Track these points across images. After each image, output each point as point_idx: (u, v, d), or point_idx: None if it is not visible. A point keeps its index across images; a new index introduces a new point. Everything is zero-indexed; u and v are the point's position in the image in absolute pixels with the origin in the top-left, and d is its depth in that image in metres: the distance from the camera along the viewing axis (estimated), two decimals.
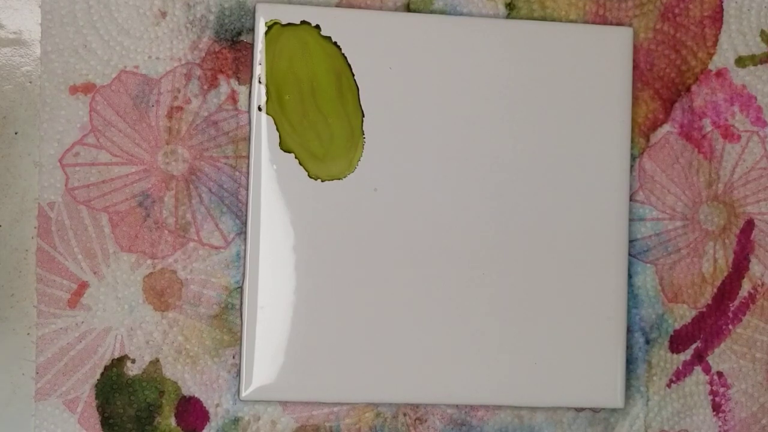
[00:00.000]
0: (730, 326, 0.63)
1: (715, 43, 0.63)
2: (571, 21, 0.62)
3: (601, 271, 0.61)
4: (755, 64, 0.63)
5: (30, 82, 0.58)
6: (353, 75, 0.59)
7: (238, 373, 0.59)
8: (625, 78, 0.62)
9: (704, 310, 0.63)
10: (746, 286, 0.63)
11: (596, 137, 0.61)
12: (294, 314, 0.58)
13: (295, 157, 0.59)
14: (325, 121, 0.59)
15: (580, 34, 0.61)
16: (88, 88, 0.58)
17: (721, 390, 0.63)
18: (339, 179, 0.59)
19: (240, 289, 0.59)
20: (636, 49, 0.62)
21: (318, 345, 0.59)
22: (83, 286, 0.58)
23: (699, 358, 0.63)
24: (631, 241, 0.62)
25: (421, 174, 0.60)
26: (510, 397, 0.60)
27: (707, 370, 0.63)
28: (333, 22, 0.59)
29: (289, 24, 0.59)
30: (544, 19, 0.61)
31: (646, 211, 0.62)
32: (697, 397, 0.63)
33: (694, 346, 0.63)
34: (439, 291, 0.60)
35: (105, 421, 0.58)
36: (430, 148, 0.60)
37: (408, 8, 0.61)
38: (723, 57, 0.63)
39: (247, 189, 0.59)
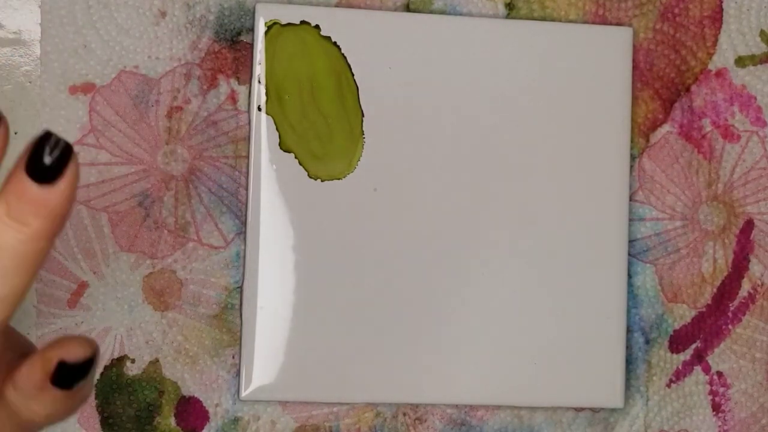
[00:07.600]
0: (730, 326, 0.63)
1: (715, 43, 0.63)
2: (571, 21, 0.62)
3: (601, 271, 0.61)
4: (755, 64, 0.63)
5: (30, 82, 0.58)
6: (353, 75, 0.59)
7: (238, 373, 0.59)
8: (625, 78, 0.62)
9: (704, 310, 0.63)
10: (746, 286, 0.63)
11: (596, 137, 0.61)
12: (293, 314, 0.58)
13: (295, 157, 0.59)
14: (325, 121, 0.59)
15: (579, 34, 0.61)
16: (87, 88, 0.58)
17: (721, 390, 0.63)
18: (339, 179, 0.59)
19: (239, 289, 0.59)
20: (636, 49, 0.62)
21: (317, 345, 0.59)
22: (83, 286, 0.58)
23: (699, 358, 0.63)
24: (630, 241, 0.62)
25: (421, 174, 0.60)
26: (510, 397, 0.60)
27: (707, 370, 0.63)
28: (333, 22, 0.59)
29: (289, 24, 0.59)
30: (543, 19, 0.61)
31: (646, 211, 0.62)
32: (697, 397, 0.63)
33: (693, 346, 0.63)
34: (439, 291, 0.59)
35: (105, 421, 0.58)
36: (429, 148, 0.60)
37: (408, 8, 0.61)
38: (723, 57, 0.63)
39: (246, 189, 0.59)
